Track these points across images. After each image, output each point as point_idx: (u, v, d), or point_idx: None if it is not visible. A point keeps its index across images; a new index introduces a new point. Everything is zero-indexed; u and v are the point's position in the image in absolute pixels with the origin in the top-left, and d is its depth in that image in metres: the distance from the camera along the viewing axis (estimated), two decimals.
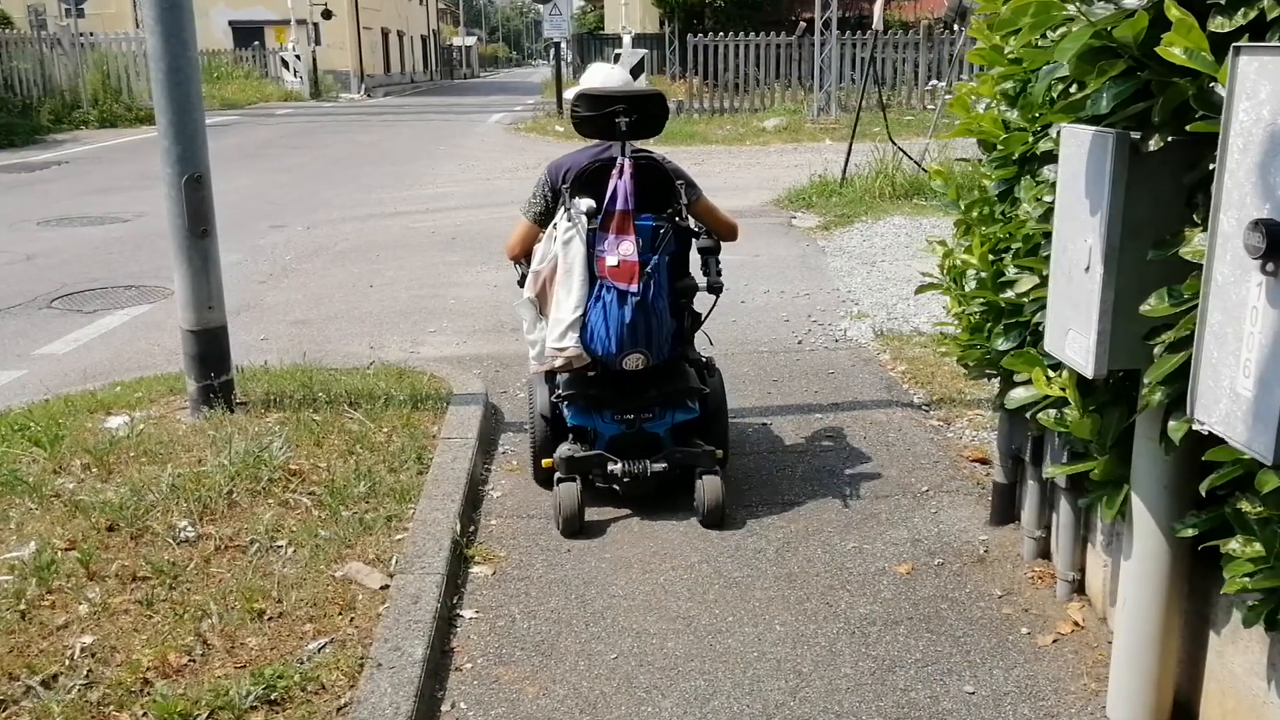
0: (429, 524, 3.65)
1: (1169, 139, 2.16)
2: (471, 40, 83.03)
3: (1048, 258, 2.76)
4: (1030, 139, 2.91)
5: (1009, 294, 2.98)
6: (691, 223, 3.97)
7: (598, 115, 3.72)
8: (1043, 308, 2.80)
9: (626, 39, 21.26)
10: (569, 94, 4.02)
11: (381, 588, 3.26)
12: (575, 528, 3.78)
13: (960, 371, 5.60)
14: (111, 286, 8.05)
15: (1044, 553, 3.49)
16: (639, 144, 3.86)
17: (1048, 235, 2.78)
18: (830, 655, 3.04)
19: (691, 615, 3.27)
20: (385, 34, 46.34)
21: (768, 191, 12.24)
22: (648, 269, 3.68)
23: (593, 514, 3.93)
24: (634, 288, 3.65)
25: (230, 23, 38.33)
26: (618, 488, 3.94)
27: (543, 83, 38.56)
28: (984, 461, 4.42)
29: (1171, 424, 2.21)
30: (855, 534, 3.78)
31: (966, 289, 3.44)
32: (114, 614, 3.09)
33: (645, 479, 3.87)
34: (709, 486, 3.83)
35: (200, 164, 4.46)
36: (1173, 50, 1.96)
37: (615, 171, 3.67)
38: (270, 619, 3.08)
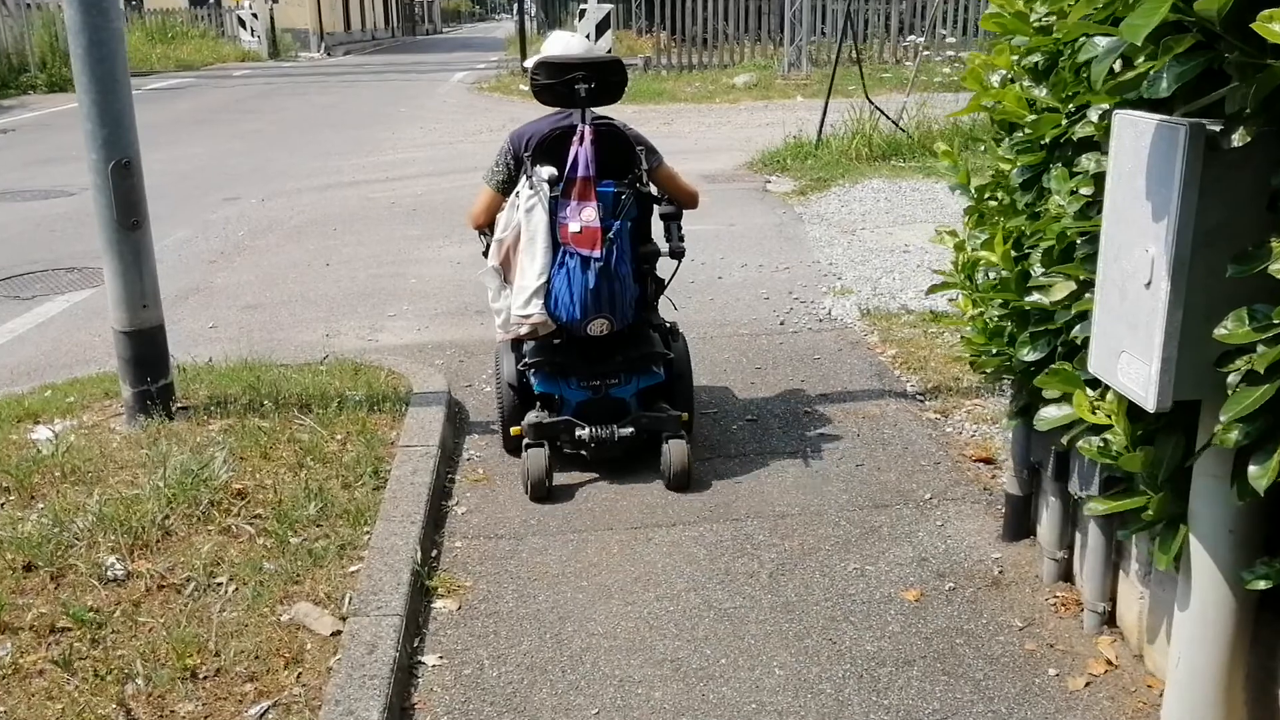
0: (386, 552, 3.28)
1: (1256, 131, 1.81)
2: None
3: (1086, 260, 2.42)
4: (1064, 121, 2.55)
5: (1036, 298, 2.62)
6: (653, 189, 4.00)
7: (557, 83, 3.73)
8: (1080, 318, 2.45)
9: None
10: (529, 63, 3.97)
11: (333, 634, 2.90)
12: (543, 492, 3.84)
13: (953, 355, 5.32)
14: (52, 269, 7.57)
15: (1066, 575, 3.17)
16: (599, 110, 3.87)
17: (1086, 235, 2.43)
18: (838, 706, 2.71)
19: (680, 657, 2.93)
20: None
21: (740, 153, 11.83)
22: (610, 234, 3.72)
23: (561, 478, 3.99)
24: (597, 253, 3.69)
25: None
26: (585, 453, 3.99)
27: (506, 38, 37.71)
28: (988, 461, 4.10)
29: (1254, 469, 1.87)
30: (856, 552, 3.45)
31: (981, 285, 3.09)
32: (25, 676, 2.71)
33: (613, 443, 3.93)
34: (675, 451, 3.87)
35: (129, 148, 4.04)
36: (1273, 27, 1.60)
37: (576, 138, 3.70)
38: (205, 678, 2.71)
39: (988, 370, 3.05)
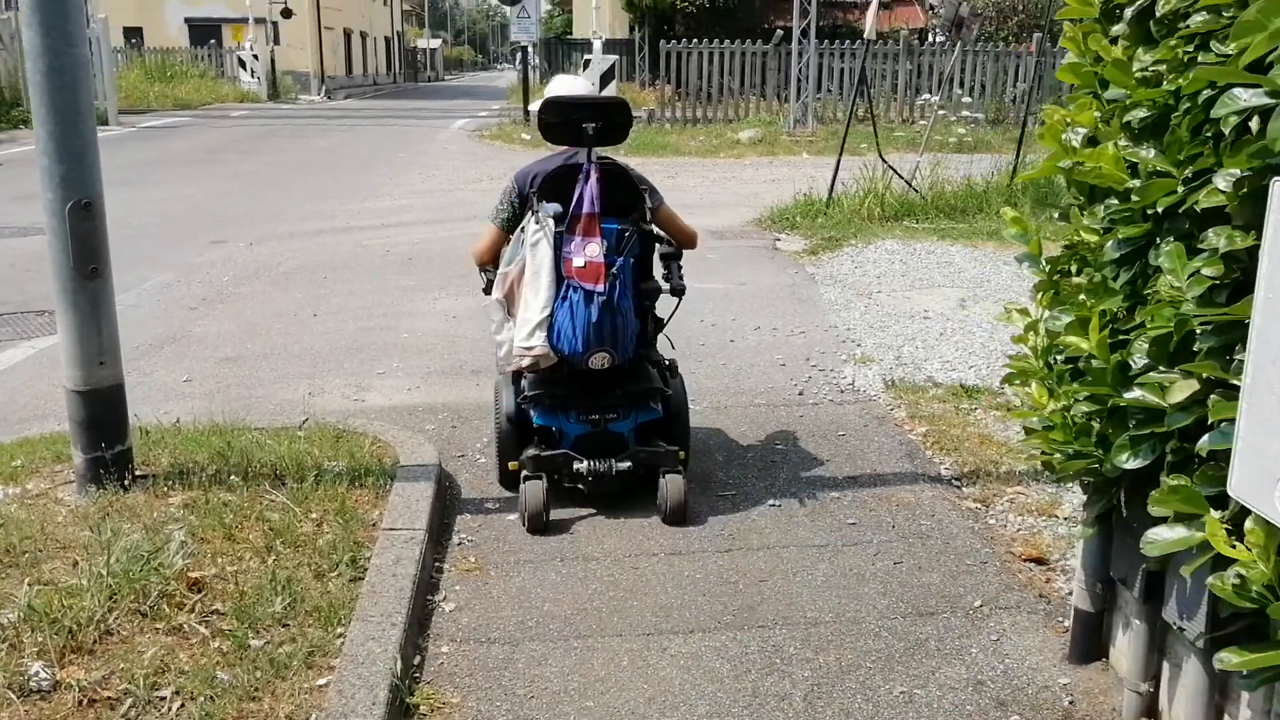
0: (362, 661, 2.83)
1: None
2: (436, 43, 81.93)
3: (1213, 354, 2.00)
4: (1180, 188, 2.14)
5: (1141, 395, 2.21)
6: (654, 228, 4.07)
7: (564, 122, 3.84)
8: (1201, 424, 2.04)
9: (597, 45, 20.45)
10: (534, 106, 4.08)
11: None
12: (540, 525, 3.84)
13: (986, 435, 4.91)
14: (21, 311, 7.14)
15: (1151, 710, 2.72)
16: (603, 150, 3.93)
17: (1213, 324, 2.02)
18: None
19: None
20: (348, 34, 45.19)
21: (748, 209, 11.49)
22: (613, 270, 3.78)
23: (558, 513, 3.97)
24: (600, 288, 3.75)
25: (186, 20, 37.14)
26: (583, 487, 4.00)
27: (508, 87, 37.70)
28: (1040, 561, 3.66)
29: None
30: (901, 672, 3.00)
31: (1056, 368, 2.67)
32: None
33: (611, 478, 3.94)
34: (672, 485, 3.91)
35: (90, 187, 3.62)
36: None
37: (581, 176, 3.77)
38: None
39: (1068, 473, 2.62)
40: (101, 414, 3.76)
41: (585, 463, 3.93)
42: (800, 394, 5.48)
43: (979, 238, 9.90)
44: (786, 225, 10.55)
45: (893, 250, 9.31)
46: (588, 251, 3.75)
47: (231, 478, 3.87)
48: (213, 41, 34.46)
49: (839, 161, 11.00)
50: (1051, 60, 16.17)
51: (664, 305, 4.15)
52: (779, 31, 21.53)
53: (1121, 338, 2.36)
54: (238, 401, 5.33)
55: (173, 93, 28.42)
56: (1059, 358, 2.69)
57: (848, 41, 21.78)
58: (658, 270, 4.18)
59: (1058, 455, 2.61)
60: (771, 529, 3.90)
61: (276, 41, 34.66)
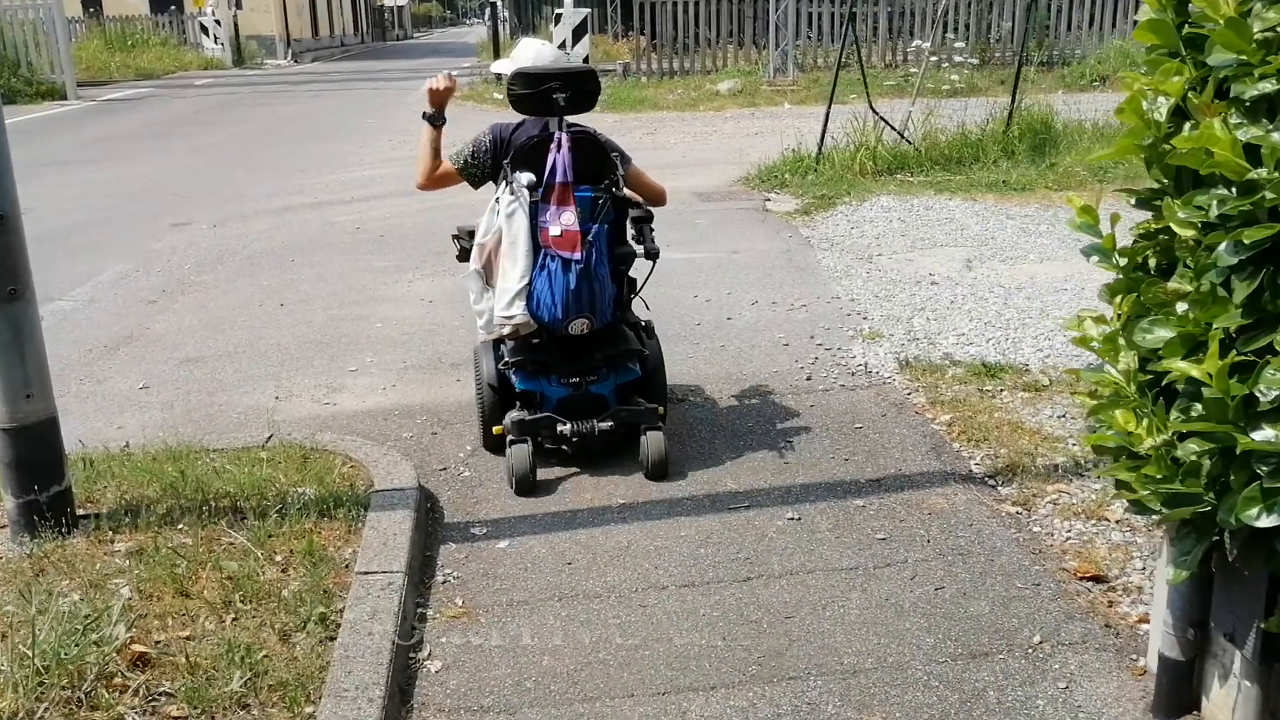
0: None
1: None
2: (403, 0, 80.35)
3: None
4: None
5: (1272, 436, 1.79)
6: (628, 193, 4.11)
7: (534, 93, 3.88)
8: None
9: None
10: (496, 67, 4.29)
11: None
12: (528, 487, 3.92)
13: (1017, 421, 4.50)
14: None
15: None
16: (573, 119, 3.98)
17: None
18: None
19: None
20: None
21: (733, 166, 11.01)
22: (589, 237, 3.87)
23: (544, 473, 4.05)
24: (578, 255, 3.83)
25: None
26: (567, 448, 4.13)
27: (479, 43, 36.82)
28: (1098, 579, 3.27)
29: None
30: None
31: (1132, 380, 2.25)
32: None
33: (594, 438, 4.05)
34: (653, 441, 4.02)
35: (3, 196, 3.14)
36: None
37: (554, 146, 3.84)
38: None
39: (1167, 519, 2.21)
40: (32, 453, 3.31)
41: (569, 425, 4.03)
42: (808, 379, 5.06)
43: (978, 190, 9.46)
44: (776, 183, 10.07)
45: (889, 207, 8.86)
46: (563, 220, 3.82)
47: (188, 512, 3.43)
48: (173, 8, 33.39)
49: (828, 114, 10.48)
50: None
51: (640, 267, 4.24)
52: None
53: (1238, 356, 1.94)
54: (198, 411, 4.89)
55: (134, 62, 27.49)
56: (1137, 368, 2.27)
57: None
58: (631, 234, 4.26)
59: (1149, 492, 2.20)
60: (793, 549, 3.49)
61: (239, 6, 33.61)
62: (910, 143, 10.52)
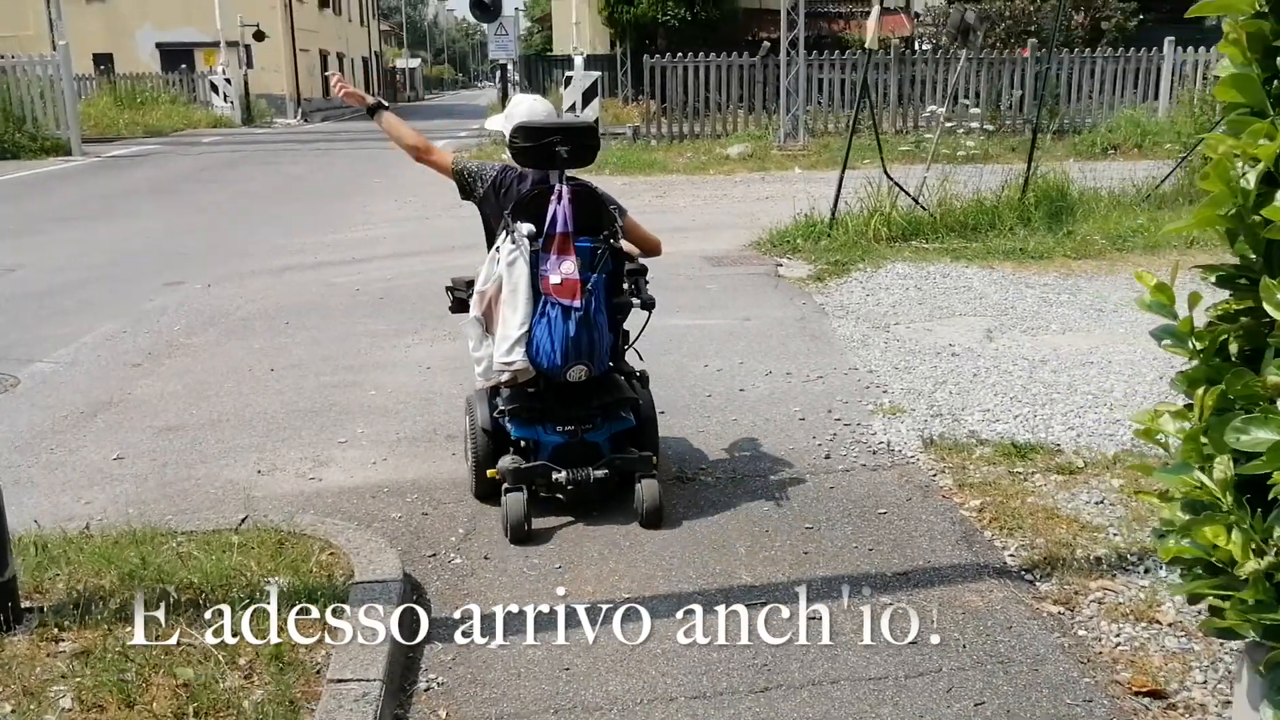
0: None
1: None
2: (416, 62, 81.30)
3: None
4: None
5: None
6: (625, 245, 4.19)
7: (537, 146, 3.98)
8: None
9: (578, 60, 19.68)
10: (491, 124, 4.46)
11: None
12: (523, 535, 3.91)
13: (1052, 508, 4.16)
14: None
15: None
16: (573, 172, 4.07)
17: None
18: None
19: None
20: (324, 55, 44.32)
21: (744, 231, 10.79)
22: (588, 286, 3.93)
23: (539, 522, 4.03)
24: (577, 303, 3.90)
25: (158, 45, 36.31)
26: (562, 496, 4.13)
27: (489, 105, 36.95)
28: (1157, 695, 2.92)
29: None
30: None
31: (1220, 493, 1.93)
32: None
33: (589, 486, 4.05)
34: (648, 489, 4.04)
35: None
36: None
37: (554, 197, 3.93)
38: None
39: (1274, 660, 1.88)
40: None
41: (564, 472, 4.03)
42: (827, 457, 4.74)
43: (995, 257, 9.20)
44: (788, 248, 9.84)
45: (905, 274, 8.60)
46: (563, 269, 3.89)
47: (144, 610, 3.10)
48: (184, 66, 33.61)
49: (841, 179, 10.27)
50: (1048, 66, 15.55)
51: (635, 318, 4.30)
52: (765, 43, 20.85)
53: None
54: (173, 485, 4.58)
55: (143, 119, 27.59)
56: (1220, 465, 1.95)
57: (836, 52, 21.14)
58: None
59: (1243, 620, 1.87)
60: (815, 655, 3.15)
61: (250, 65, 33.89)
62: (925, 208, 10.29)
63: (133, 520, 3.82)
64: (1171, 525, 2.06)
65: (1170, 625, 3.28)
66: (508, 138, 4.03)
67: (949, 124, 11.60)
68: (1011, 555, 3.77)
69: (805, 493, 4.36)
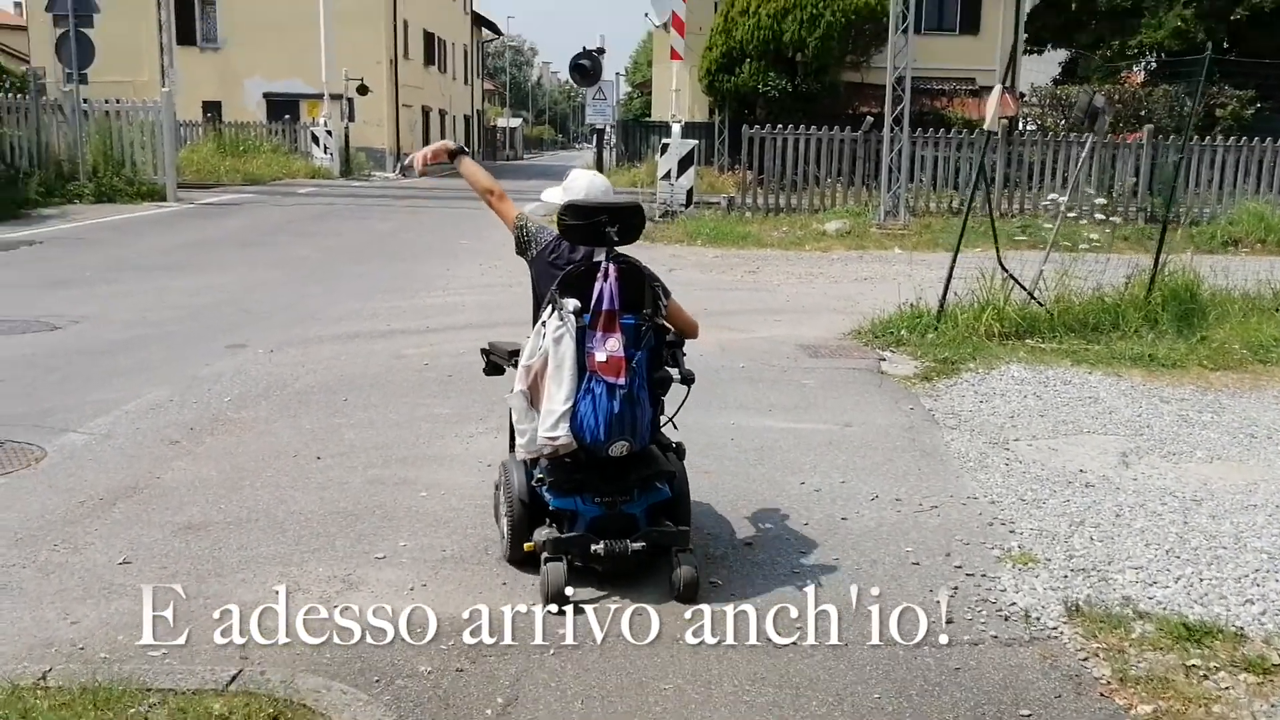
0: None
1: None
2: (517, 122, 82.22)
3: None
4: None
5: None
6: (665, 321, 4.21)
7: (585, 224, 4.05)
8: None
9: (676, 128, 19.15)
10: (548, 196, 4.51)
11: None
12: (562, 602, 3.87)
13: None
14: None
15: None
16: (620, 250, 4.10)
17: None
18: None
19: None
20: (426, 112, 44.77)
21: (842, 317, 10.02)
22: (632, 363, 3.98)
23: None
24: (622, 381, 3.95)
25: (265, 95, 36.87)
26: (598, 567, 4.11)
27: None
28: None
29: None
30: None
31: None
32: None
33: (625, 557, 4.05)
34: (685, 565, 4.04)
35: None
36: None
37: (600, 275, 3.99)
38: None
39: None
40: None
41: (602, 544, 4.03)
42: (949, 621, 3.92)
43: (1121, 364, 8.28)
44: (891, 340, 9.03)
45: (1021, 379, 7.73)
46: (609, 346, 3.94)
47: None
48: (288, 116, 34.01)
49: (952, 266, 9.45)
50: (1180, 157, 14.59)
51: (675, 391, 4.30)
52: (869, 118, 20.16)
53: None
54: (176, 606, 3.91)
55: (244, 167, 27.78)
56: None
57: (940, 130, 20.37)
58: None
59: None
60: None
61: (351, 118, 34.19)
62: (1041, 304, 9.41)
63: (110, 660, 3.17)
64: None
65: None
66: (556, 215, 4.09)
67: (1071, 214, 10.70)
68: None
69: (924, 674, 3.54)
